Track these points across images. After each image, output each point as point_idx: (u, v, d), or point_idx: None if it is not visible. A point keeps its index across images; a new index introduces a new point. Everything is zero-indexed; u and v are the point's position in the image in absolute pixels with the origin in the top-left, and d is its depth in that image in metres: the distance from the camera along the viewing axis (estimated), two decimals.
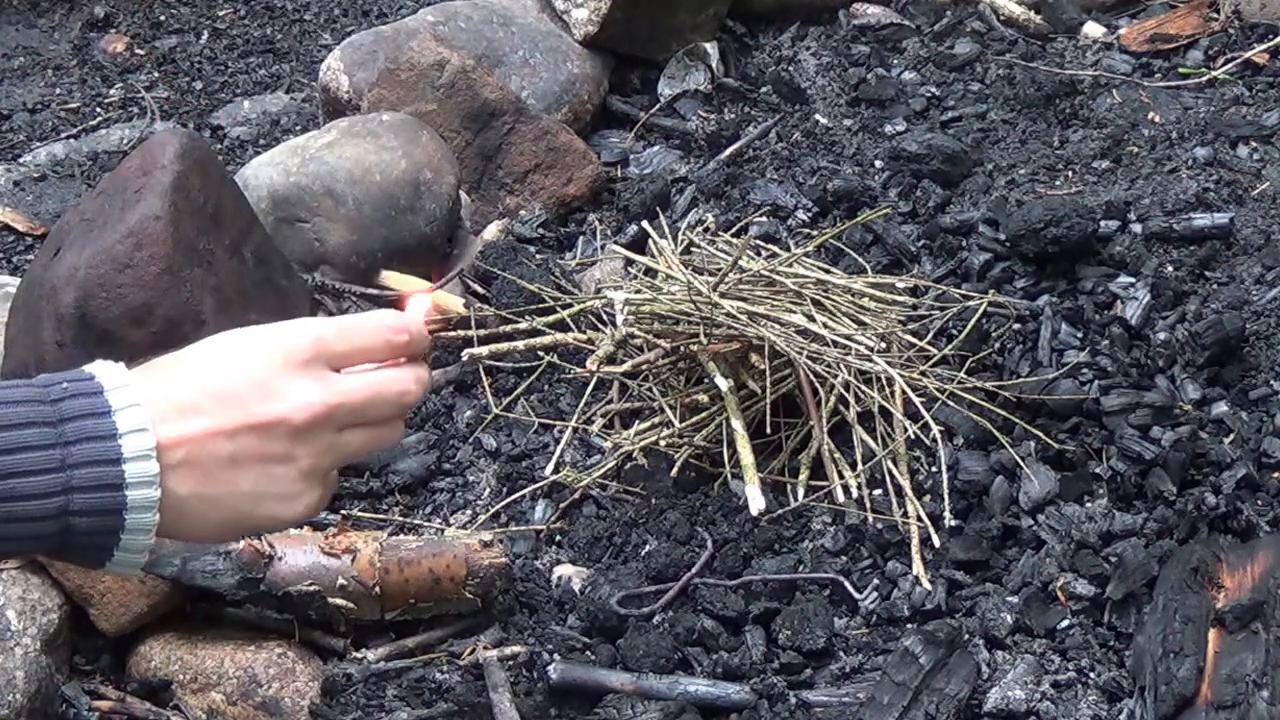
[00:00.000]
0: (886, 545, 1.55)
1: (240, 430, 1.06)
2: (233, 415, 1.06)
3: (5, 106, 2.75)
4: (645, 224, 1.95)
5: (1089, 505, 1.55)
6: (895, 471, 1.58)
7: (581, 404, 1.74)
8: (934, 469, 1.59)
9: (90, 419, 1.01)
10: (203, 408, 1.05)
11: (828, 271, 1.81)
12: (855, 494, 1.58)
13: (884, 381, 1.61)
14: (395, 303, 1.30)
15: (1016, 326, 1.74)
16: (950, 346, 1.70)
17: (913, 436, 1.59)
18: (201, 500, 1.05)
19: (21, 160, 2.57)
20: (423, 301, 1.27)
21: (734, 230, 1.97)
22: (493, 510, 1.68)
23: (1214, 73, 2.21)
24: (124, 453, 1.01)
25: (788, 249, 1.88)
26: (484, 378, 1.80)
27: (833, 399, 1.63)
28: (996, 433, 1.60)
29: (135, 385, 1.03)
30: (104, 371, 1.04)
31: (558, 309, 1.83)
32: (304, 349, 1.10)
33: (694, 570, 1.55)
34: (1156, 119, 2.13)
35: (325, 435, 1.10)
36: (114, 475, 1.00)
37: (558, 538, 1.65)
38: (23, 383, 1.03)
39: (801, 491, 1.61)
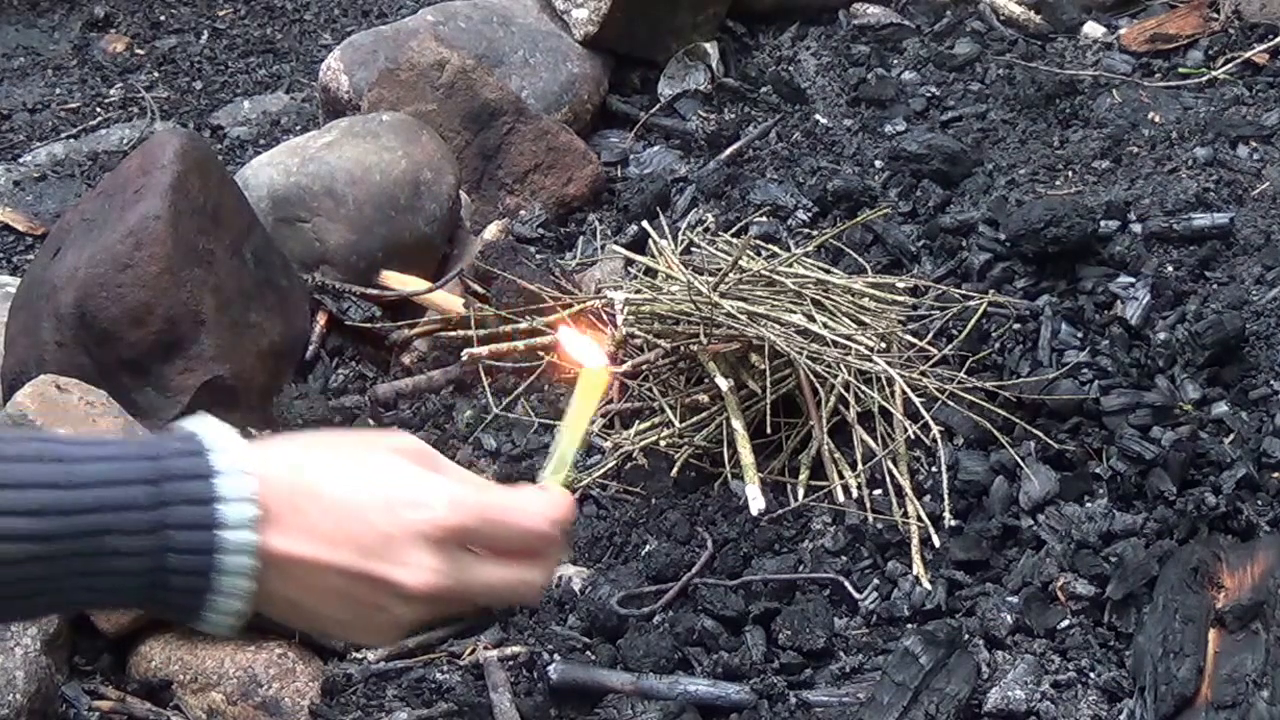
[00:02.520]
0: (886, 545, 1.55)
1: (358, 576, 1.06)
2: (355, 560, 1.06)
3: (5, 106, 2.75)
4: (645, 224, 1.95)
5: (1089, 505, 1.55)
6: (895, 471, 1.58)
7: None
8: (934, 469, 1.58)
9: (193, 481, 1.02)
10: (332, 539, 1.06)
11: (828, 271, 1.81)
12: (855, 494, 1.58)
13: (884, 381, 1.61)
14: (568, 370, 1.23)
15: (1016, 326, 1.74)
16: (950, 346, 1.70)
17: (913, 436, 1.58)
18: (300, 608, 1.07)
19: (21, 160, 2.57)
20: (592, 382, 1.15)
21: (734, 230, 1.97)
22: None
23: (1214, 73, 2.21)
24: (219, 493, 1.01)
25: (788, 249, 1.88)
26: (484, 378, 1.80)
27: (833, 399, 1.63)
28: (996, 433, 1.60)
29: (255, 476, 1.03)
30: (217, 436, 1.04)
31: (558, 309, 1.83)
32: (446, 528, 1.08)
33: (694, 570, 1.55)
34: (1156, 119, 2.13)
35: (430, 606, 1.10)
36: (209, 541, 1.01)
37: None
38: (130, 440, 1.03)
39: (801, 491, 1.60)
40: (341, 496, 1.08)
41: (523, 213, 2.11)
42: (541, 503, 1.12)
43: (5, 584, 0.99)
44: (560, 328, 1.22)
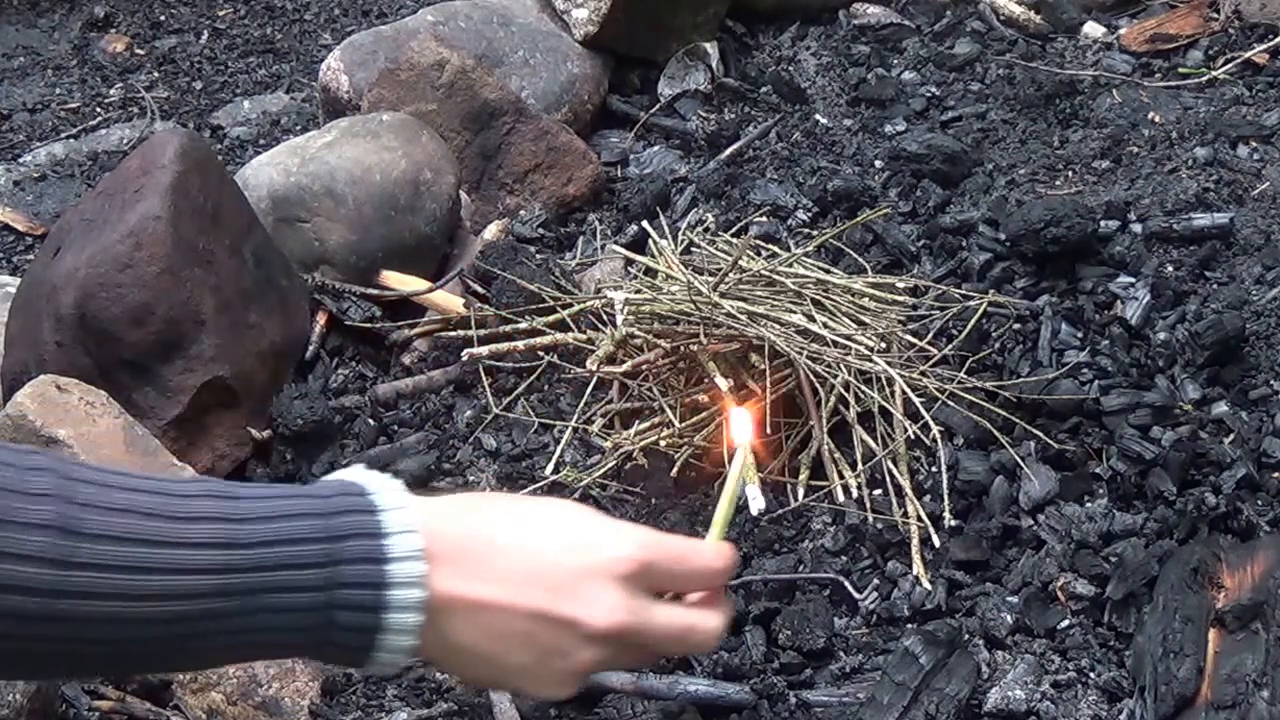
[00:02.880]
0: (886, 545, 1.55)
1: (543, 617, 1.07)
2: (542, 601, 1.07)
3: (5, 106, 2.75)
4: (645, 224, 1.95)
5: (1089, 505, 1.55)
6: (895, 471, 1.58)
7: (581, 404, 1.74)
8: (934, 469, 1.58)
9: (363, 533, 1.03)
10: (517, 581, 1.07)
11: (828, 271, 1.81)
12: (855, 494, 1.58)
13: (884, 381, 1.61)
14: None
15: (1016, 326, 1.74)
16: (950, 346, 1.70)
17: (913, 436, 1.58)
18: (476, 655, 1.07)
19: (21, 160, 2.57)
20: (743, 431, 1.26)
21: (734, 230, 1.97)
22: None
23: (1214, 73, 2.21)
24: (389, 553, 1.02)
25: (788, 249, 1.88)
26: (484, 378, 1.80)
27: (832, 399, 1.63)
28: (996, 433, 1.60)
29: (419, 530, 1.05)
30: (388, 493, 1.07)
31: (558, 309, 1.83)
32: (631, 565, 1.09)
33: None
34: (1156, 119, 2.13)
35: (610, 648, 1.10)
36: (378, 574, 1.02)
37: None
38: (302, 496, 1.05)
39: (801, 491, 1.60)
40: (523, 540, 1.10)
41: (523, 213, 2.11)
42: (714, 548, 1.16)
43: (181, 638, 1.00)
44: (732, 409, 1.32)
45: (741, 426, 1.28)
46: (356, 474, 1.08)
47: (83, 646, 0.99)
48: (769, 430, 1.63)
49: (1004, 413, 1.62)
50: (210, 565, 0.99)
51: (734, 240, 1.90)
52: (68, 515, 0.96)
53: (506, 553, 1.07)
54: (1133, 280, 1.77)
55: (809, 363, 1.59)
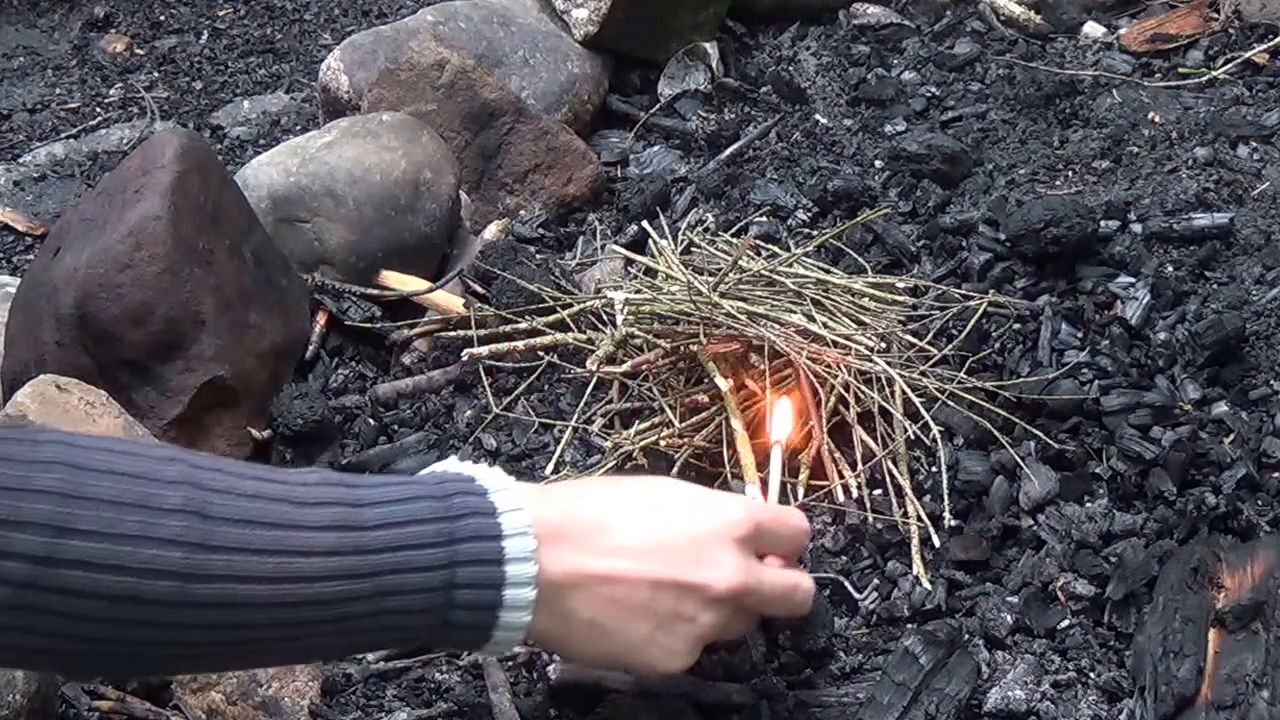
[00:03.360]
0: (886, 545, 1.55)
1: (665, 584, 1.12)
2: (663, 568, 1.12)
3: (5, 106, 2.75)
4: (645, 224, 1.95)
5: (1089, 505, 1.55)
6: (895, 471, 1.58)
7: (581, 404, 1.74)
8: (934, 469, 1.58)
9: (477, 516, 1.08)
10: (631, 550, 1.11)
11: (828, 271, 1.81)
12: (855, 494, 1.58)
13: (884, 382, 1.61)
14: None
15: (1016, 326, 1.74)
16: (950, 346, 1.70)
17: (913, 436, 1.59)
18: (598, 629, 1.11)
19: (21, 160, 2.57)
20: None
21: (734, 230, 1.97)
22: None
23: (1214, 73, 2.21)
24: (503, 529, 1.06)
25: (788, 249, 1.88)
26: (484, 378, 1.80)
27: (832, 399, 1.63)
28: (997, 433, 1.60)
29: (529, 507, 1.10)
30: (495, 481, 1.12)
31: (558, 309, 1.83)
32: (745, 527, 1.17)
33: None
34: (1156, 119, 2.13)
35: (729, 611, 1.15)
36: (494, 550, 1.06)
37: None
38: (413, 482, 1.10)
39: (801, 491, 1.60)
40: (637, 512, 1.17)
41: (523, 213, 2.11)
42: (800, 513, 1.28)
43: (314, 624, 1.02)
44: (775, 401, 1.47)
45: (782, 420, 1.39)
46: (453, 464, 1.12)
47: (216, 633, 1.00)
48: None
49: (1004, 413, 1.63)
50: (338, 548, 1.01)
51: (734, 240, 1.90)
52: (201, 500, 0.98)
53: (623, 526, 1.12)
54: (1133, 280, 1.77)
55: (809, 363, 1.59)
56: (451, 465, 1.13)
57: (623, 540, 1.11)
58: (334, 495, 1.02)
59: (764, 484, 1.42)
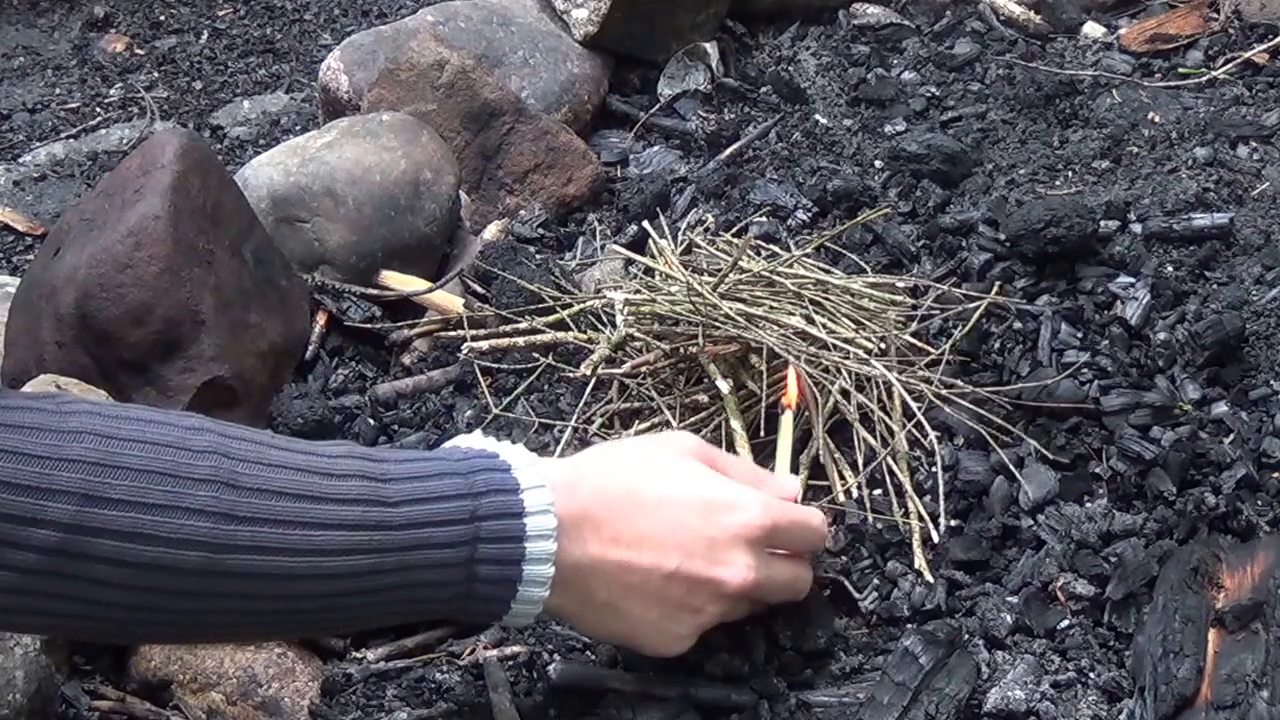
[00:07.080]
0: (886, 545, 1.55)
1: (679, 577, 1.18)
2: (680, 562, 1.17)
3: (5, 106, 2.75)
4: (645, 224, 1.95)
5: (1089, 505, 1.55)
6: (895, 471, 1.58)
7: (581, 404, 1.74)
8: (934, 469, 1.58)
9: (499, 493, 1.12)
10: (659, 544, 1.17)
11: (827, 272, 1.81)
12: (855, 494, 1.58)
13: (883, 385, 1.61)
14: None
15: (1017, 326, 1.74)
16: (948, 346, 1.70)
17: (912, 437, 1.58)
18: (611, 610, 1.18)
19: (21, 160, 2.57)
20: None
21: (734, 230, 1.97)
22: None
23: (1214, 73, 2.21)
24: (525, 507, 1.11)
25: (788, 249, 1.88)
26: (483, 378, 1.80)
27: (832, 400, 1.63)
28: (996, 433, 1.60)
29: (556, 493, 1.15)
30: (517, 458, 1.16)
31: (558, 309, 1.83)
32: (760, 527, 1.22)
33: None
34: (1156, 119, 2.13)
35: (734, 604, 1.22)
36: (516, 528, 1.10)
37: None
38: (436, 457, 1.13)
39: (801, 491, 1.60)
40: (660, 495, 1.19)
41: (523, 213, 2.11)
42: (819, 514, 1.35)
43: (340, 595, 1.04)
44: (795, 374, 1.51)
45: (791, 386, 1.43)
46: (477, 438, 1.15)
47: (240, 602, 1.02)
48: (764, 432, 1.63)
49: (1003, 412, 1.62)
50: (365, 521, 1.03)
51: (734, 240, 1.90)
52: (229, 470, 0.99)
53: (646, 513, 1.16)
54: (1133, 280, 1.77)
55: (807, 366, 1.59)
56: (476, 440, 1.16)
57: (645, 529, 1.15)
58: (359, 468, 1.04)
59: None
